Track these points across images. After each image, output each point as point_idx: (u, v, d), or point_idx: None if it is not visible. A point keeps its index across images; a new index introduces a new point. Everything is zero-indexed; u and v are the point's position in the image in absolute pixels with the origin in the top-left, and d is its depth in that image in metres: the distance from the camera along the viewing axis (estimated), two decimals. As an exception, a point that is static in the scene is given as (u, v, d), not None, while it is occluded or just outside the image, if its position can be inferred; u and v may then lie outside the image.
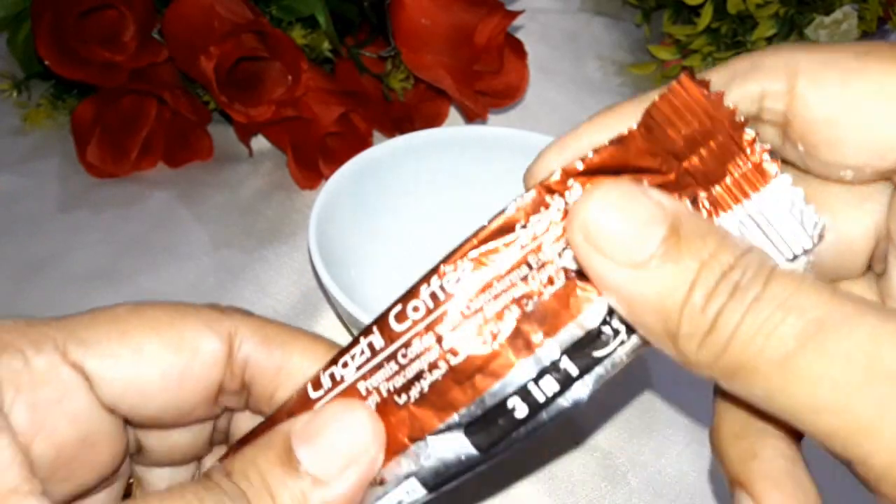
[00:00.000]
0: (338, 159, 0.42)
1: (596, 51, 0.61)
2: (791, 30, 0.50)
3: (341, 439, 0.19)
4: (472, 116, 0.49)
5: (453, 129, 0.42)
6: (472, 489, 0.34)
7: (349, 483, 0.19)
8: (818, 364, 0.15)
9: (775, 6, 0.49)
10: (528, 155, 0.44)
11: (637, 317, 0.17)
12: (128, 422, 0.21)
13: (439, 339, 0.20)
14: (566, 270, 0.19)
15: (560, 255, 0.19)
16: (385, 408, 0.20)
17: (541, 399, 0.19)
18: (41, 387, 0.19)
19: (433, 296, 0.20)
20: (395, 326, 0.20)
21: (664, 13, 0.56)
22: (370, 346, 0.20)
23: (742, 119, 0.18)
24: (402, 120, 0.49)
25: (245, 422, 0.23)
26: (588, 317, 0.19)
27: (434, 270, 0.20)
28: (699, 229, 0.17)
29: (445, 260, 0.20)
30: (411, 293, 0.20)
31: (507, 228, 0.19)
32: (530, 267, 0.19)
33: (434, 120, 0.51)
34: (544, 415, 0.19)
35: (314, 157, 0.45)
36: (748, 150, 0.18)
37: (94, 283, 0.41)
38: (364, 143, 0.46)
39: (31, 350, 0.19)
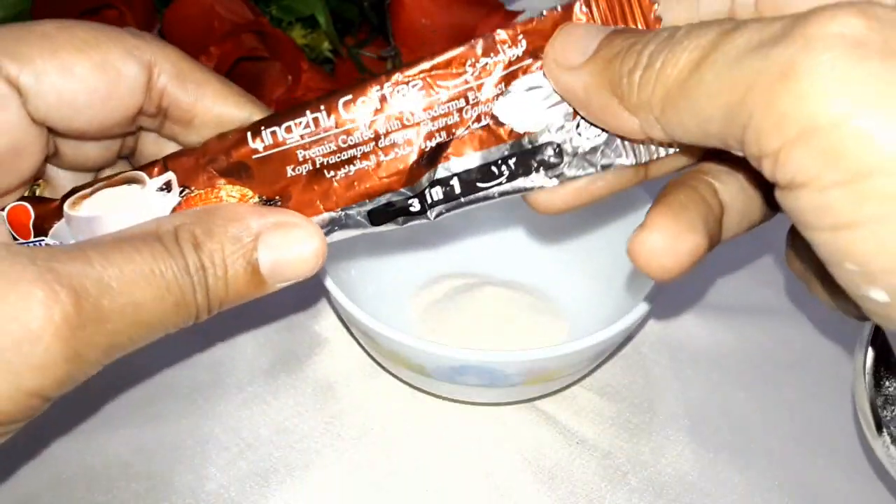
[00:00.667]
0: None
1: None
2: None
3: (297, 261, 0.24)
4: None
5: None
6: (470, 490, 0.34)
7: (286, 285, 0.24)
8: (700, 78, 0.18)
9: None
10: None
11: (590, 98, 0.21)
12: (51, 131, 0.23)
13: (377, 137, 0.24)
14: (493, 117, 0.24)
15: (493, 99, 0.24)
16: (313, 177, 0.24)
17: (428, 201, 0.25)
18: None
19: (382, 98, 0.24)
20: (343, 113, 0.24)
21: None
22: (315, 121, 0.24)
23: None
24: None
25: (151, 143, 0.27)
26: (489, 155, 0.24)
27: (388, 75, 0.24)
28: (626, 31, 0.21)
29: (402, 70, 0.23)
30: (362, 89, 0.24)
31: (459, 61, 0.23)
32: (467, 101, 0.24)
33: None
34: (430, 214, 0.25)
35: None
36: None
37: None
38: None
39: None
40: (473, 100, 0.24)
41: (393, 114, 0.24)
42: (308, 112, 0.24)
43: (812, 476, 0.35)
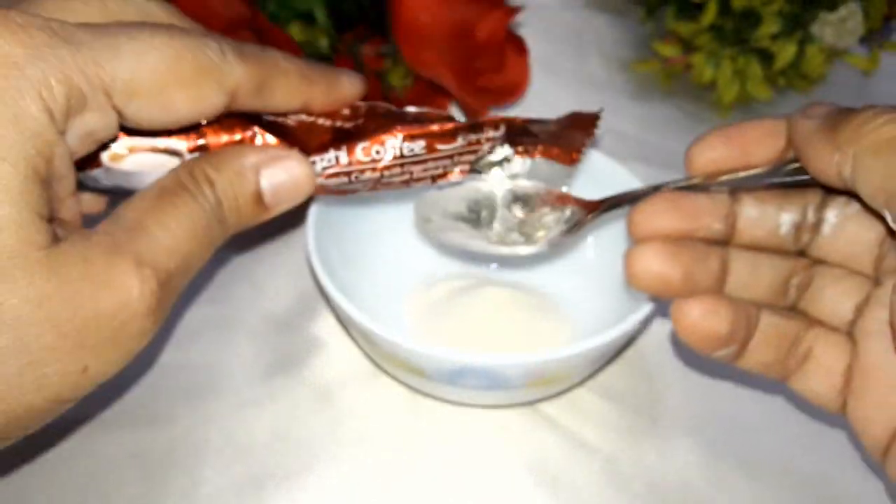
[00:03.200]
0: (336, 158, 0.41)
1: (599, 48, 0.60)
2: (796, 27, 0.50)
3: (293, 186, 0.28)
4: (472, 114, 0.49)
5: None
6: (470, 495, 0.33)
7: (286, 208, 0.29)
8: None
9: (780, 3, 0.49)
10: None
11: (815, 133, 0.25)
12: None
13: (380, 178, 0.30)
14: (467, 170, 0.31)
15: (469, 163, 0.31)
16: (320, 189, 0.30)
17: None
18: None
19: (397, 151, 0.29)
20: (360, 156, 0.29)
21: (668, 10, 0.55)
22: (337, 159, 0.29)
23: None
24: (402, 118, 0.49)
25: None
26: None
27: (399, 131, 0.29)
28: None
29: (411, 132, 0.29)
30: (379, 139, 0.29)
31: (452, 133, 0.30)
32: (451, 159, 0.31)
33: (434, 118, 0.50)
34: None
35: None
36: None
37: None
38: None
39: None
40: (456, 160, 0.31)
41: (398, 162, 0.30)
42: (332, 150, 0.29)
43: (820, 482, 0.35)
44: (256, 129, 0.29)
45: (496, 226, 0.32)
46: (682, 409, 0.37)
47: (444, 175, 0.31)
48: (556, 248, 0.33)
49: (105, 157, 0.27)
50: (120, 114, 0.24)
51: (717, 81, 0.52)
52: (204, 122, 0.28)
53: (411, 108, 0.31)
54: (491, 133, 0.31)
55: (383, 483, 0.34)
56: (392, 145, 0.29)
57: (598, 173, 0.39)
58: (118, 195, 0.28)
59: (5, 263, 0.21)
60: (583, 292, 0.39)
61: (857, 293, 0.28)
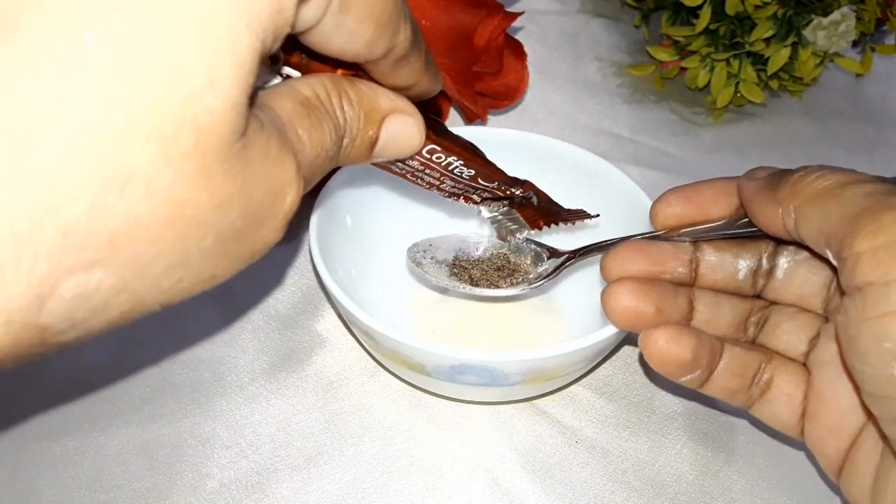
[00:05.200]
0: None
1: (595, 52, 0.61)
2: (789, 31, 0.50)
3: (403, 146, 0.27)
4: (471, 117, 0.49)
5: (453, 130, 0.42)
6: (469, 489, 0.34)
7: (383, 160, 0.28)
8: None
9: (774, 7, 0.49)
10: (527, 156, 0.44)
11: (757, 193, 0.29)
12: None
13: (419, 171, 0.30)
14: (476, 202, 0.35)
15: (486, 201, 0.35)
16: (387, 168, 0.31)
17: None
18: None
19: (451, 165, 0.31)
20: (426, 154, 0.29)
21: (663, 14, 0.56)
22: (409, 163, 0.30)
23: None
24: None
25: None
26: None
27: (463, 156, 0.31)
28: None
29: (471, 160, 0.31)
30: (449, 150, 0.30)
31: (497, 179, 0.33)
32: (474, 190, 0.33)
33: (433, 121, 0.51)
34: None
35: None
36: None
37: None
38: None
39: None
40: (478, 194, 0.34)
41: (443, 171, 0.31)
42: (409, 160, 0.30)
43: (811, 475, 0.35)
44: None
45: (477, 272, 0.36)
46: (676, 404, 0.38)
47: (458, 196, 0.33)
48: (535, 291, 0.37)
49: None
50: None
51: (711, 85, 0.53)
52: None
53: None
54: (520, 192, 0.34)
55: (384, 476, 0.34)
56: (451, 160, 0.30)
57: (594, 176, 0.40)
58: None
59: (214, 157, 0.18)
60: (580, 290, 0.40)
61: (810, 328, 0.31)
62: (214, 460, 0.34)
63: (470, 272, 0.36)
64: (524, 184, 0.34)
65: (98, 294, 0.17)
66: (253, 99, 0.21)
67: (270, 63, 0.25)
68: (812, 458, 0.36)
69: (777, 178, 0.28)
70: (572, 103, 0.56)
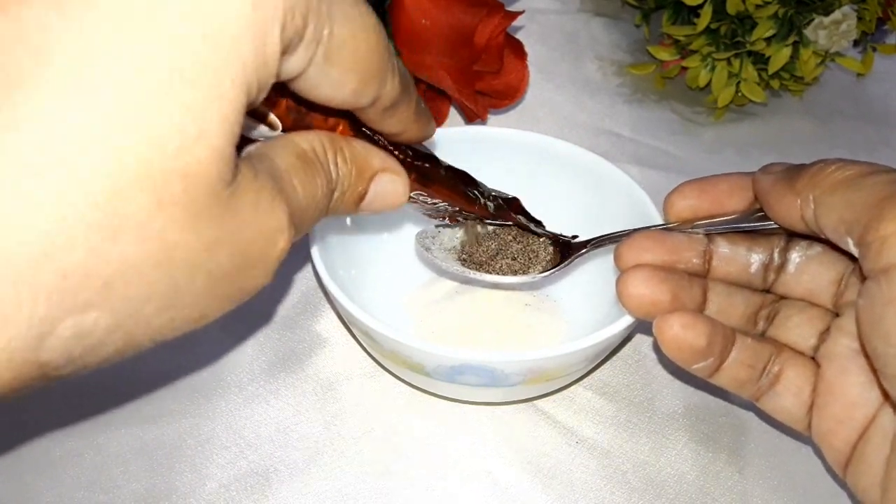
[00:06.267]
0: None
1: (595, 51, 0.61)
2: (790, 30, 0.50)
3: (387, 203, 0.28)
4: (471, 117, 0.49)
5: (453, 130, 0.42)
6: (469, 490, 0.34)
7: (367, 214, 0.29)
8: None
9: (774, 7, 0.49)
10: (527, 155, 0.44)
11: (774, 185, 0.29)
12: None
13: (427, 207, 0.33)
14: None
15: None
16: None
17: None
18: None
19: (431, 202, 0.33)
20: (411, 199, 0.31)
21: (663, 14, 0.56)
22: (420, 195, 0.32)
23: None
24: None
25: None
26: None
27: (460, 203, 0.34)
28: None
29: (465, 207, 0.34)
30: (447, 196, 0.33)
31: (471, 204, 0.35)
32: (461, 215, 0.35)
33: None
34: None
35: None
36: None
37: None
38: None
39: None
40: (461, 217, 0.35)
41: (427, 206, 0.33)
42: (421, 195, 0.32)
43: (811, 476, 0.35)
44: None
45: (485, 258, 0.36)
46: (677, 404, 0.38)
47: (443, 217, 0.35)
48: (544, 280, 0.37)
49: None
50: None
51: (711, 84, 0.53)
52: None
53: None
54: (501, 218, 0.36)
55: (384, 477, 0.34)
56: (436, 201, 0.33)
57: (594, 175, 0.40)
58: None
59: (202, 203, 0.19)
60: (580, 291, 0.40)
61: (820, 322, 0.31)
62: (214, 461, 0.34)
63: (478, 259, 0.36)
64: (511, 204, 0.36)
65: (94, 333, 0.18)
66: (240, 148, 0.22)
67: (255, 118, 0.26)
68: (814, 458, 0.36)
69: (794, 170, 0.28)
70: (573, 103, 0.56)
